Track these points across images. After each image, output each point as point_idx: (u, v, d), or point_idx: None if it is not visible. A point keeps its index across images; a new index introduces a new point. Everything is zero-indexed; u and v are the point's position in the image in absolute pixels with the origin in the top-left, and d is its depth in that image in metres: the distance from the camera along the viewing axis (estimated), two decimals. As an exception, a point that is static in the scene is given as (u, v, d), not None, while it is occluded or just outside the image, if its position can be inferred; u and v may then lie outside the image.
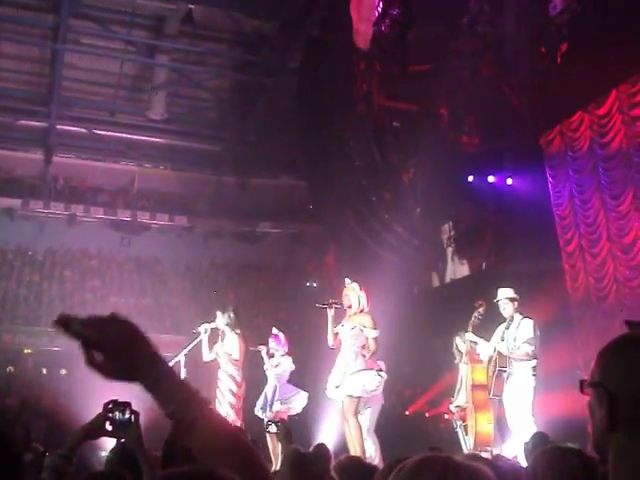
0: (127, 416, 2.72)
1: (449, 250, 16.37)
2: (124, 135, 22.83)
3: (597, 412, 1.44)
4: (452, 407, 8.82)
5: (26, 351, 19.18)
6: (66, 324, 1.47)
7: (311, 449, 3.58)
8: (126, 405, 2.76)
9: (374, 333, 7.59)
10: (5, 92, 20.80)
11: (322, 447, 3.80)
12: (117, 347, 1.47)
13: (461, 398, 8.72)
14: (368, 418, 8.80)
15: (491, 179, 13.71)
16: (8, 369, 18.27)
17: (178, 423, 1.49)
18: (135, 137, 23.00)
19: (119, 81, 21.16)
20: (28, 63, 20.35)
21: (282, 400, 9.06)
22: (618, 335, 1.52)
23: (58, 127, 21.87)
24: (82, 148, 23.24)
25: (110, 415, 2.72)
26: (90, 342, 1.46)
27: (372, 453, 8.59)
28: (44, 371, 18.70)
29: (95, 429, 2.76)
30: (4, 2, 17.65)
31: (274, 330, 9.91)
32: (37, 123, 21.90)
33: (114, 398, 2.80)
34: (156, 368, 1.51)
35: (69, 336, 1.46)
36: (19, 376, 17.92)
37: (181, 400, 1.50)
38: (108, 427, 2.72)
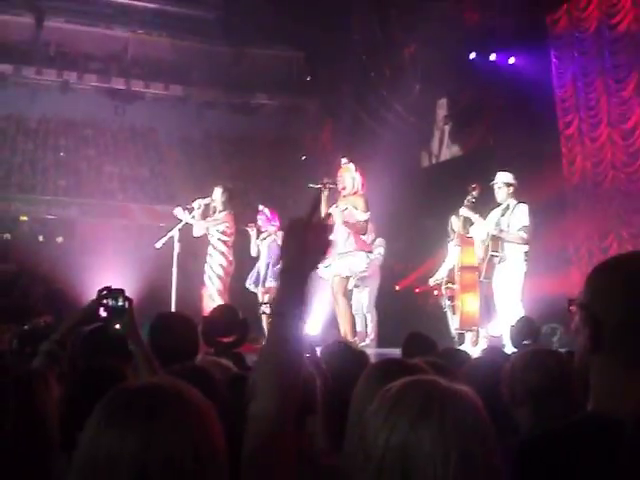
0: (121, 303, 2.75)
1: (445, 128, 16.14)
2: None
3: (582, 333, 1.48)
4: (443, 288, 9.02)
5: (22, 218, 19.20)
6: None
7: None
8: (120, 292, 2.78)
9: (364, 216, 7.60)
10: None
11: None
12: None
13: (440, 275, 9.04)
14: (366, 297, 9.16)
15: (493, 57, 13.37)
16: (4, 236, 18.37)
17: None
18: (127, 1, 22.21)
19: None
20: None
21: (275, 277, 9.13)
22: (607, 258, 1.54)
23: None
24: (73, 12, 22.44)
25: (104, 302, 2.75)
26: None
27: (369, 329, 9.03)
28: (40, 239, 18.82)
29: (89, 315, 2.80)
30: None
31: (260, 207, 9.93)
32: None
33: (108, 285, 2.81)
34: None
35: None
36: (15, 243, 18.02)
37: None
38: (102, 313, 2.75)
